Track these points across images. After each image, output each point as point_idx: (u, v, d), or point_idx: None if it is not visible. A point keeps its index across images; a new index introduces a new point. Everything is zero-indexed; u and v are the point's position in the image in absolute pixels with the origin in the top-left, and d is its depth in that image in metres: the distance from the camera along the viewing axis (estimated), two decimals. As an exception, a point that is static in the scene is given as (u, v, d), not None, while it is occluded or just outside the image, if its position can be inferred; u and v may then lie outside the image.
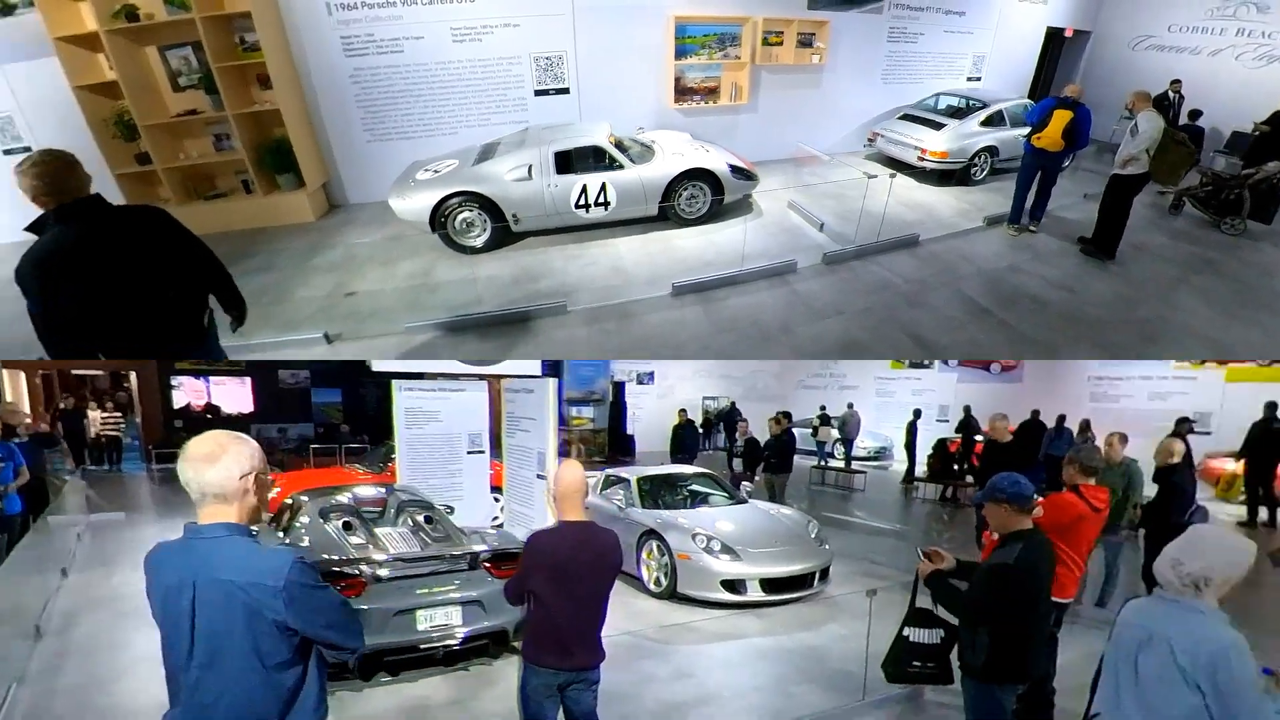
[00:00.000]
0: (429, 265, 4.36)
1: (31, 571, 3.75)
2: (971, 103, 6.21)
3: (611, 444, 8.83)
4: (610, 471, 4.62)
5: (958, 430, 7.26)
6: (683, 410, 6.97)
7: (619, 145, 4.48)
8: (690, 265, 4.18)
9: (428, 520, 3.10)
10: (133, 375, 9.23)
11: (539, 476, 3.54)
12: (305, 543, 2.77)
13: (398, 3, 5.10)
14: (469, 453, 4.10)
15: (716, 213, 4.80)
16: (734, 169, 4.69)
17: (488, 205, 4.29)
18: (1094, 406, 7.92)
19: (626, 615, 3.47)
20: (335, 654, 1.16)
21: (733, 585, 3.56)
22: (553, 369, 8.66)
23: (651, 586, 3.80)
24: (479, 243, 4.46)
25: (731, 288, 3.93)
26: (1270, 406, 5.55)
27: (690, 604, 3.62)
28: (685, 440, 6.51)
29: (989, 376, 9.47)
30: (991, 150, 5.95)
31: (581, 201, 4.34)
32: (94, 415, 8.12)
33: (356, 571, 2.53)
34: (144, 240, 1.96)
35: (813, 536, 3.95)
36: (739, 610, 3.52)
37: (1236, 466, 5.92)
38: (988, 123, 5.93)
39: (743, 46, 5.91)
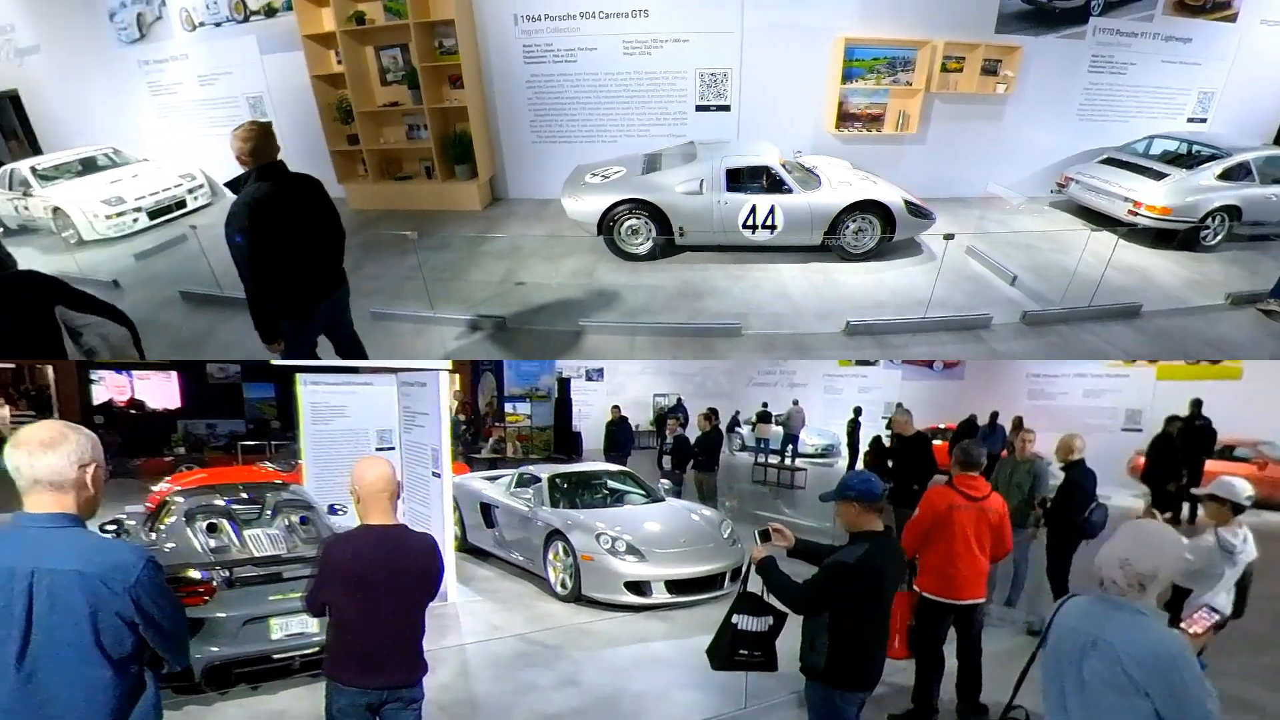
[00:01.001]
0: (591, 266, 4.39)
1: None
2: (1198, 149, 5.06)
3: (558, 442, 8.42)
4: (524, 469, 4.38)
5: (887, 427, 6.68)
6: (615, 407, 6.59)
7: (785, 169, 4.27)
8: (859, 304, 3.85)
9: (303, 521, 2.90)
10: (49, 370, 8.52)
11: (434, 474, 3.40)
12: (170, 546, 2.61)
13: (577, 16, 5.32)
14: (378, 449, 3.88)
15: (882, 250, 4.42)
16: (909, 205, 4.27)
17: (655, 215, 4.24)
18: (1031, 404, 7.75)
19: (528, 619, 3.29)
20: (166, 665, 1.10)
21: (637, 587, 3.34)
22: (493, 364, 8.24)
23: (558, 589, 3.59)
24: (642, 250, 4.44)
25: (912, 335, 3.57)
26: (1195, 404, 5.22)
27: (596, 607, 3.40)
28: (619, 437, 6.16)
29: (931, 374, 9.15)
30: (1231, 211, 4.73)
31: (749, 222, 4.16)
32: (3, 413, 7.51)
33: (204, 576, 2.34)
34: (313, 200, 2.37)
35: (725, 536, 3.68)
36: (644, 613, 3.30)
37: None
38: (1227, 176, 4.73)
39: (916, 72, 5.39)
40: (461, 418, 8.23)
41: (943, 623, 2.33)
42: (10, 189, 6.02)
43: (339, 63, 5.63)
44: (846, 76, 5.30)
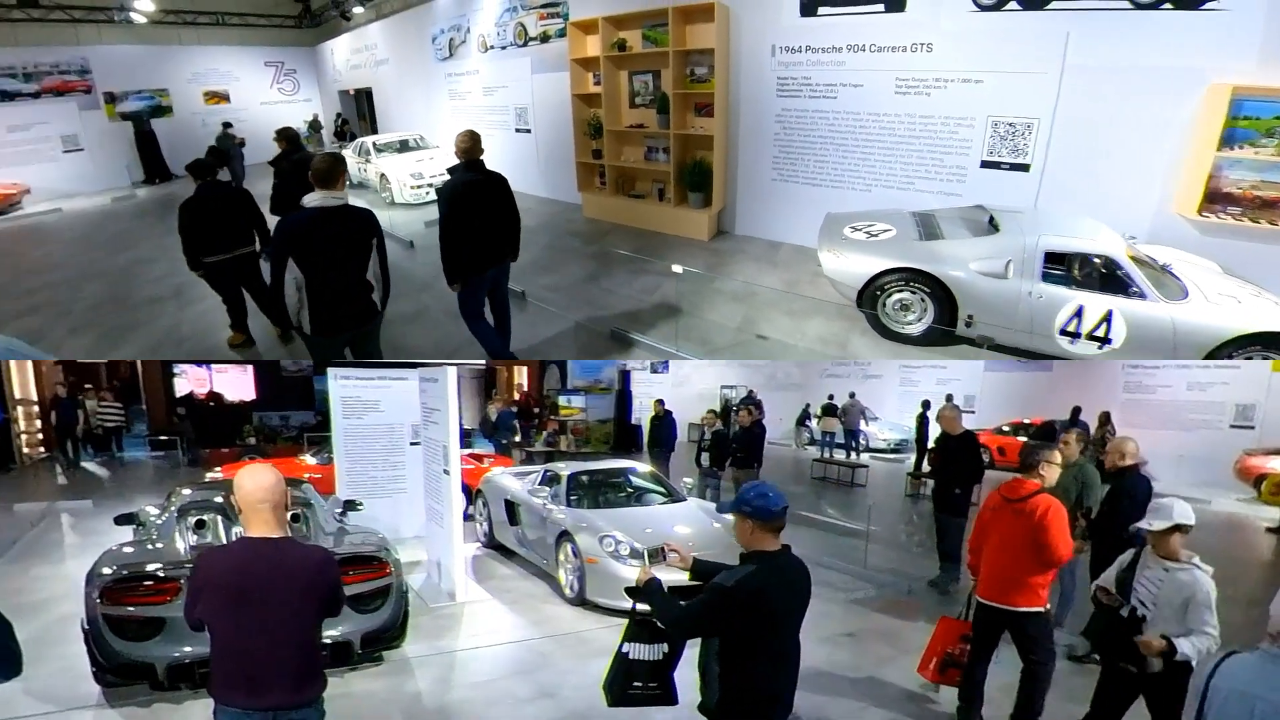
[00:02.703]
0: (843, 335, 3.62)
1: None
2: None
3: (617, 436, 7.93)
4: (550, 465, 4.09)
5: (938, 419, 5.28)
6: (659, 401, 6.10)
7: (1135, 263, 2.95)
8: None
9: (294, 519, 2.70)
10: (139, 363, 8.51)
11: (444, 472, 3.26)
12: (159, 544, 2.48)
13: (843, 49, 4.41)
14: (412, 444, 3.77)
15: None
16: None
17: (934, 292, 3.23)
18: (1128, 398, 6.96)
19: (531, 623, 3.05)
20: None
21: None
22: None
23: (566, 591, 3.31)
24: (912, 331, 3.41)
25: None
26: None
27: (602, 612, 3.09)
28: (661, 433, 5.69)
29: (1017, 364, 7.71)
30: None
31: (1071, 328, 2.98)
32: (90, 405, 7.47)
33: (167, 575, 2.16)
34: (496, 191, 2.89)
35: None
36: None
37: None
38: None
39: (1353, 142, 3.53)
40: (514, 409, 8.02)
41: (987, 630, 2.15)
42: (359, 155, 7.68)
43: (596, 84, 5.72)
44: (1226, 140, 3.47)
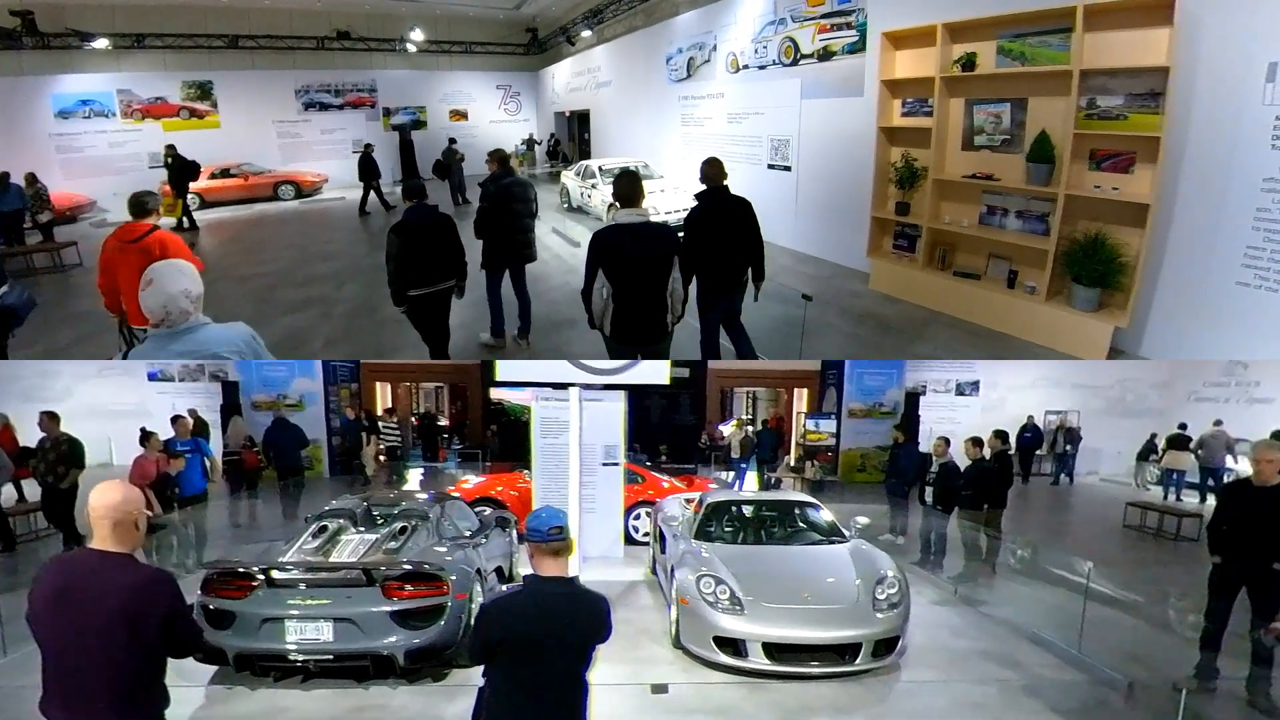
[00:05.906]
0: None
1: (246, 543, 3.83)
2: None
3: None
4: (705, 494, 3.67)
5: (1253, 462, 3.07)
6: (898, 427, 5.28)
7: None
8: None
9: (401, 531, 2.68)
10: (465, 388, 8.63)
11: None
12: (282, 544, 2.67)
13: None
14: (603, 464, 3.65)
15: None
16: None
17: None
18: None
19: (626, 661, 2.48)
20: None
21: (733, 645, 2.40)
22: (834, 372, 6.94)
23: (671, 631, 2.73)
24: None
25: None
26: None
27: (693, 660, 2.48)
28: (900, 463, 4.71)
29: None
30: None
31: None
32: (382, 425, 7.55)
33: (245, 572, 2.28)
34: (745, 214, 2.86)
35: (881, 597, 2.49)
36: (741, 678, 2.38)
37: None
38: None
39: None
40: (751, 431, 7.02)
41: None
42: (582, 178, 6.85)
43: (904, 114, 4.17)
44: None
